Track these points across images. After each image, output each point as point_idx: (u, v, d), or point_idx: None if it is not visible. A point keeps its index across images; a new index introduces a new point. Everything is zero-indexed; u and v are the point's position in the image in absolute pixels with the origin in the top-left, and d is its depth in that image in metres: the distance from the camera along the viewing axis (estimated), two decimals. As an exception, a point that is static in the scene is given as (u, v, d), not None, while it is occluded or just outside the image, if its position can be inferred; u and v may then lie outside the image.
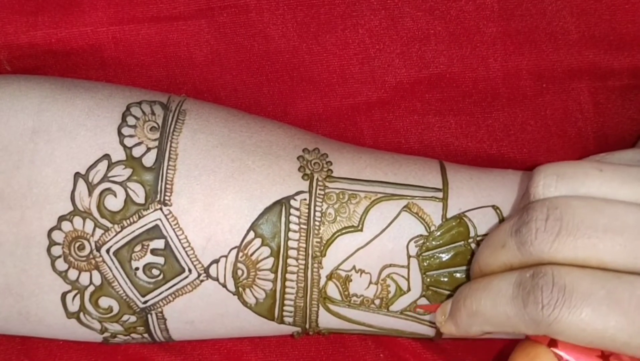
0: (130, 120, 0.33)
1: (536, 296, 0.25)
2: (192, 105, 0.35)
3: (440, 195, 0.32)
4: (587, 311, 0.24)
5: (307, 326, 0.34)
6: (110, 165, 0.32)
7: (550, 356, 0.26)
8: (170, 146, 0.32)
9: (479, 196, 0.33)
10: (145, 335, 0.34)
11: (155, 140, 0.32)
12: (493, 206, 0.33)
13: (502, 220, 0.32)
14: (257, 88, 0.40)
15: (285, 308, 0.33)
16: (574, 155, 0.40)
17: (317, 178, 0.32)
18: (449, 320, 0.29)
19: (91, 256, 0.32)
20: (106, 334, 0.33)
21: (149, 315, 0.32)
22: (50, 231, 0.31)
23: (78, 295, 0.32)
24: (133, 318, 0.33)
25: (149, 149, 0.32)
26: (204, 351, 0.37)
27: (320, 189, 0.32)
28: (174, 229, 0.32)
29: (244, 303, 0.32)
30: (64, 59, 0.39)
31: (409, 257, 0.32)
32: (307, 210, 0.32)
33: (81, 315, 0.33)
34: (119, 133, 0.32)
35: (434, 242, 0.32)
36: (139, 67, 0.39)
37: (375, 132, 0.40)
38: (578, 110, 0.39)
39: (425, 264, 0.32)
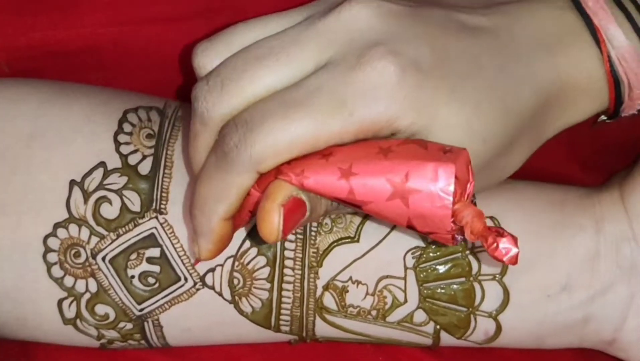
0: (127, 127, 0.33)
1: (226, 144, 0.26)
2: (188, 111, 0.34)
3: (438, 205, 0.32)
4: (271, 124, 0.25)
5: (304, 334, 0.34)
6: (106, 173, 0.32)
7: (281, 185, 0.26)
8: (166, 154, 0.32)
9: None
10: (142, 342, 0.34)
11: (151, 147, 0.32)
12: (491, 217, 0.32)
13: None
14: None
15: (281, 317, 0.33)
16: (571, 155, 0.40)
17: (314, 188, 0.32)
18: (197, 241, 0.28)
19: (87, 263, 0.32)
20: (103, 340, 0.34)
21: (145, 323, 0.33)
22: (45, 238, 0.32)
23: (74, 302, 0.32)
24: (129, 325, 0.33)
25: (144, 157, 0.32)
26: (202, 354, 0.37)
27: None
28: (169, 238, 0.32)
29: (240, 312, 0.33)
30: (63, 60, 0.39)
31: (405, 268, 0.32)
32: (303, 220, 0.32)
33: (78, 321, 0.33)
34: (115, 140, 0.32)
35: (431, 254, 0.32)
36: (137, 68, 0.39)
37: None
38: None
39: (422, 276, 0.32)
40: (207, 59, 0.28)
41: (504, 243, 0.24)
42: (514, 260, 0.24)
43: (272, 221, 0.25)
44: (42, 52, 0.38)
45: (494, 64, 0.27)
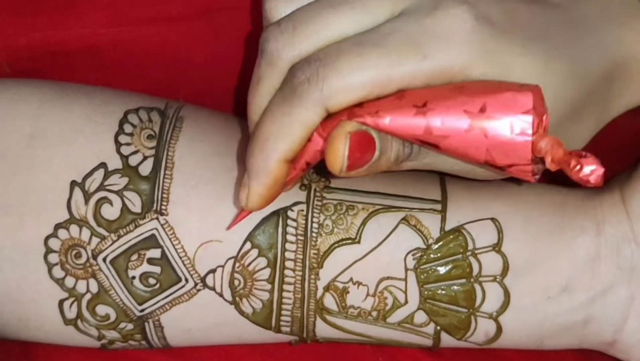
0: (127, 128, 0.33)
1: (297, 77, 0.26)
2: (189, 112, 0.35)
3: (439, 207, 0.33)
4: (345, 60, 0.25)
5: (305, 335, 0.34)
6: (107, 174, 0.32)
7: (352, 122, 0.26)
8: (167, 155, 0.32)
9: (478, 208, 0.33)
10: (143, 342, 0.34)
11: (152, 148, 0.32)
12: (492, 218, 0.33)
13: (500, 232, 0.33)
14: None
15: (282, 318, 0.33)
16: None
17: (315, 189, 0.33)
18: (249, 184, 0.28)
19: (88, 264, 0.32)
20: (104, 341, 0.34)
21: (146, 323, 0.33)
22: (47, 238, 0.32)
23: (75, 303, 0.33)
24: (130, 326, 0.33)
25: (145, 158, 0.32)
26: (202, 354, 0.37)
27: (317, 200, 0.32)
28: (170, 239, 0.32)
29: (241, 313, 0.33)
30: (63, 60, 0.39)
31: (406, 269, 0.32)
32: (304, 222, 0.32)
33: (78, 322, 0.33)
34: (116, 141, 0.32)
35: (432, 255, 0.32)
36: (137, 68, 0.40)
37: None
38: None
39: (422, 277, 0.32)
40: (279, 4, 0.28)
41: (589, 164, 0.24)
42: (600, 180, 0.24)
43: (338, 148, 0.26)
44: (43, 52, 0.39)
45: (562, 33, 0.28)
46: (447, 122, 0.25)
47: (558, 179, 0.39)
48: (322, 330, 0.34)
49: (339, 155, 0.26)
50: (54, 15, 0.38)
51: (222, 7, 0.39)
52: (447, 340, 0.34)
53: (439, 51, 0.26)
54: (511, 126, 0.25)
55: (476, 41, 0.26)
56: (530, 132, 0.25)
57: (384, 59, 0.26)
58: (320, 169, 0.33)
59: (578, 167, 0.24)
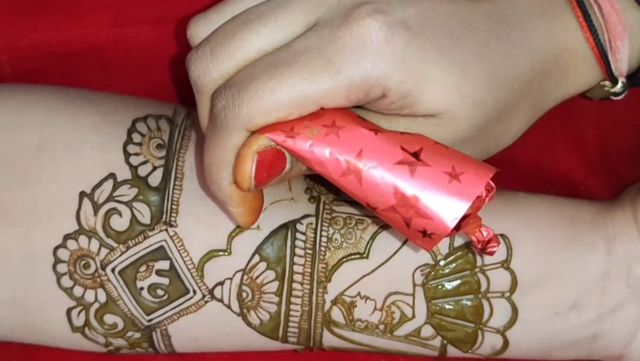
0: (136, 137, 0.34)
1: (215, 106, 0.28)
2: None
3: (448, 222, 0.33)
4: (258, 84, 0.27)
5: (311, 345, 0.35)
6: (116, 185, 0.33)
7: (261, 138, 0.27)
8: (177, 165, 0.33)
9: (487, 223, 0.33)
10: (150, 349, 0.36)
11: (161, 158, 0.33)
12: (501, 235, 0.34)
13: (510, 249, 0.34)
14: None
15: (289, 329, 0.34)
16: (577, 159, 0.41)
17: (324, 202, 0.34)
18: (226, 211, 0.31)
19: (96, 274, 0.33)
20: (110, 347, 0.35)
21: (153, 332, 0.34)
22: (55, 249, 0.33)
23: (83, 311, 0.34)
24: (137, 335, 0.34)
25: (155, 168, 0.33)
26: (205, 356, 0.38)
27: (327, 213, 0.33)
28: (179, 250, 0.33)
29: (248, 324, 0.34)
30: (65, 61, 0.40)
31: (414, 285, 0.33)
32: (313, 235, 0.33)
33: (86, 329, 0.34)
34: (125, 151, 0.33)
35: (440, 271, 0.33)
36: (139, 69, 0.41)
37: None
38: (581, 116, 0.40)
39: (430, 292, 0.34)
40: (199, 28, 0.29)
41: (491, 242, 0.29)
42: (494, 253, 0.29)
43: (245, 167, 0.28)
44: (44, 53, 0.40)
45: (486, 27, 0.29)
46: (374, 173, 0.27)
47: (563, 181, 0.40)
48: (329, 340, 0.35)
49: (245, 175, 0.28)
50: (56, 16, 0.39)
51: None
52: (453, 351, 0.35)
53: (352, 65, 0.26)
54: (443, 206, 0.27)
55: (389, 51, 0.27)
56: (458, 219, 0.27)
57: (297, 79, 0.26)
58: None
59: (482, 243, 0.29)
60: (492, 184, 0.28)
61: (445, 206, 0.26)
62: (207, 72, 0.28)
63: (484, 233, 0.29)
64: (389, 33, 0.26)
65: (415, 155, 0.27)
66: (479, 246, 0.29)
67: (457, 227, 0.27)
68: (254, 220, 0.31)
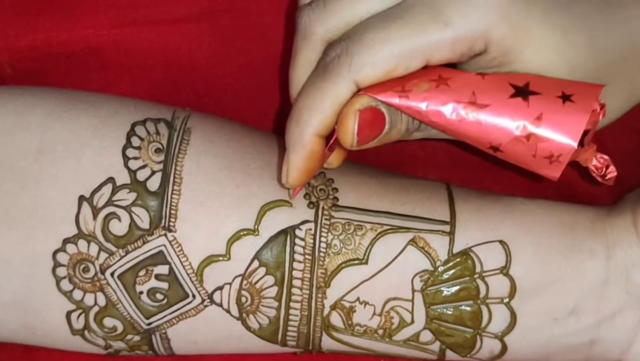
0: (135, 141, 0.34)
1: (328, 55, 0.29)
2: (196, 122, 0.36)
3: (447, 228, 0.34)
4: (371, 35, 0.28)
5: (310, 348, 0.36)
6: (115, 189, 0.33)
7: (362, 97, 0.29)
8: (175, 169, 0.34)
9: (486, 230, 0.34)
10: (149, 352, 0.36)
11: (160, 162, 0.34)
12: (500, 241, 0.34)
13: (509, 255, 0.34)
14: (258, 92, 0.42)
15: (288, 333, 0.35)
16: (575, 160, 0.41)
17: (323, 207, 0.34)
18: (287, 158, 0.31)
19: (96, 278, 0.34)
20: (110, 350, 0.36)
21: (152, 335, 0.35)
22: (55, 253, 0.33)
23: (83, 314, 0.34)
24: (137, 338, 0.35)
25: (153, 172, 0.34)
26: (204, 356, 0.39)
27: (325, 219, 0.34)
28: (178, 255, 0.33)
29: (248, 328, 0.35)
30: (65, 61, 0.40)
31: (413, 291, 0.34)
32: (312, 241, 0.33)
33: (86, 332, 0.35)
34: (124, 155, 0.34)
35: (439, 278, 0.34)
36: (139, 70, 0.41)
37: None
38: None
39: (429, 298, 0.34)
40: None
41: (610, 169, 0.31)
42: (613, 181, 0.31)
43: (348, 124, 0.29)
44: (45, 53, 0.40)
45: (586, 4, 0.30)
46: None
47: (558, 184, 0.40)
48: (328, 343, 0.36)
49: (348, 131, 0.29)
50: (56, 16, 0.39)
51: (224, 9, 0.40)
52: (451, 355, 0.36)
53: (460, 17, 0.28)
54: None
55: (496, 6, 0.28)
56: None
57: (406, 31, 0.28)
58: (327, 183, 0.34)
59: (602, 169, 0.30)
60: (603, 102, 0.29)
61: (565, 125, 0.28)
62: (319, 20, 0.30)
63: (600, 160, 0.31)
64: None
65: (525, 87, 0.29)
66: (598, 173, 0.31)
67: (581, 143, 0.29)
68: (303, 182, 0.32)
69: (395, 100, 0.29)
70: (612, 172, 0.31)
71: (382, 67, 0.28)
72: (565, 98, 0.28)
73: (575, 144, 0.28)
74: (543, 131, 0.28)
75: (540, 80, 0.29)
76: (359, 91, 0.30)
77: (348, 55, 0.29)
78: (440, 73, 0.29)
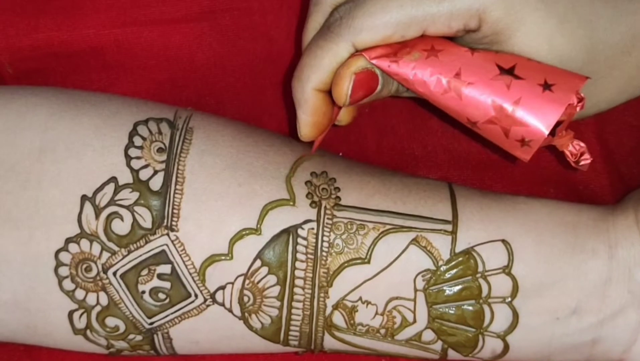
0: (137, 141, 0.34)
1: (332, 16, 0.31)
2: (199, 122, 0.36)
3: (449, 227, 0.34)
4: (373, 3, 0.30)
5: (312, 348, 0.36)
6: (117, 188, 0.33)
7: (359, 58, 0.31)
8: (177, 169, 0.34)
9: (489, 229, 0.34)
10: (151, 351, 0.36)
11: (162, 162, 0.34)
12: (502, 240, 0.34)
13: (511, 255, 0.34)
14: (260, 91, 0.42)
15: (290, 332, 0.35)
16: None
17: (325, 207, 0.34)
18: (298, 115, 0.33)
19: (98, 278, 0.34)
20: (112, 349, 0.36)
21: (155, 335, 0.35)
22: (57, 252, 0.34)
23: (85, 314, 0.34)
24: (139, 337, 0.35)
25: (156, 172, 0.34)
26: (205, 356, 0.39)
27: (328, 218, 0.34)
28: (180, 255, 0.33)
29: (250, 327, 0.35)
30: (66, 61, 0.40)
31: (415, 290, 0.34)
32: (314, 240, 0.33)
33: (88, 332, 0.35)
34: (126, 154, 0.34)
35: (441, 277, 0.34)
36: (141, 69, 0.41)
37: (379, 135, 0.41)
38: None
39: (431, 297, 0.34)
40: None
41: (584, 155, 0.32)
42: (587, 167, 0.32)
43: (343, 84, 0.31)
44: (46, 53, 0.40)
45: None
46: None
47: (561, 180, 0.40)
48: (330, 343, 0.36)
49: (342, 92, 0.31)
50: (58, 16, 0.39)
51: (225, 8, 0.40)
52: (453, 354, 0.36)
53: None
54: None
55: None
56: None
57: (406, 0, 0.30)
58: (330, 182, 0.35)
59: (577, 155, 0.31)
60: (582, 95, 0.30)
61: (540, 113, 0.29)
62: None
63: (576, 147, 0.31)
64: None
65: (510, 70, 0.30)
66: (573, 159, 0.32)
67: (552, 133, 0.30)
68: (314, 135, 0.33)
69: (386, 65, 0.31)
70: (586, 159, 0.32)
71: (380, 33, 0.30)
72: (546, 87, 0.29)
73: (546, 132, 0.29)
74: (519, 115, 0.29)
75: (527, 64, 0.30)
76: (356, 52, 0.31)
77: (349, 18, 0.30)
78: (434, 43, 0.31)
